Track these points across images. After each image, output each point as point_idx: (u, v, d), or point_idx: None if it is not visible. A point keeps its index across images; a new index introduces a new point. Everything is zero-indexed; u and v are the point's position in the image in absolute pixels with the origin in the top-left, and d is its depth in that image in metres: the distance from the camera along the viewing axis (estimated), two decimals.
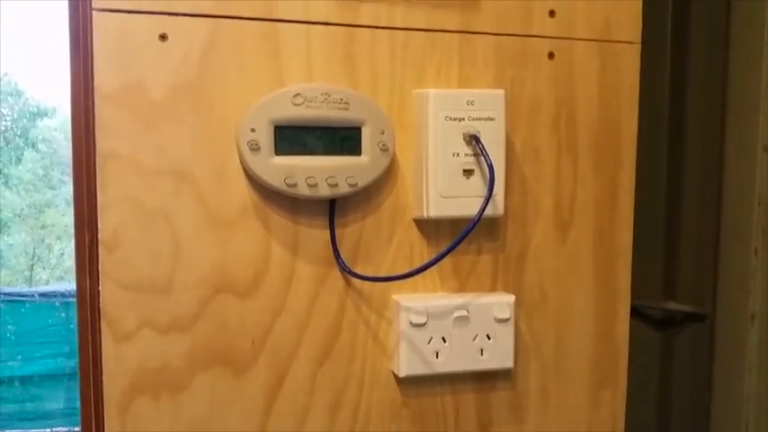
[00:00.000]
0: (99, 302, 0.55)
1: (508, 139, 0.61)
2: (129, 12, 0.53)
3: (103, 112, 0.53)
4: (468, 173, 0.58)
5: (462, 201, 0.58)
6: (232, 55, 0.55)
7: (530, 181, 0.63)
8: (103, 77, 0.53)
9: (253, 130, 0.55)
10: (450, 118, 0.57)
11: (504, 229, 0.63)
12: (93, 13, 0.53)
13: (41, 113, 5.65)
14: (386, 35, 0.58)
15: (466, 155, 0.58)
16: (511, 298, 0.61)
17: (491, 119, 0.58)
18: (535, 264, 0.64)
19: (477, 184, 0.58)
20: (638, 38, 0.65)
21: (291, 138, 0.55)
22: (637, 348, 0.68)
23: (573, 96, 0.63)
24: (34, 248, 5.59)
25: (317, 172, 0.56)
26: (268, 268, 0.57)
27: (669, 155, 0.78)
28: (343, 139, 0.57)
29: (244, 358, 0.57)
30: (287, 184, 0.55)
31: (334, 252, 0.58)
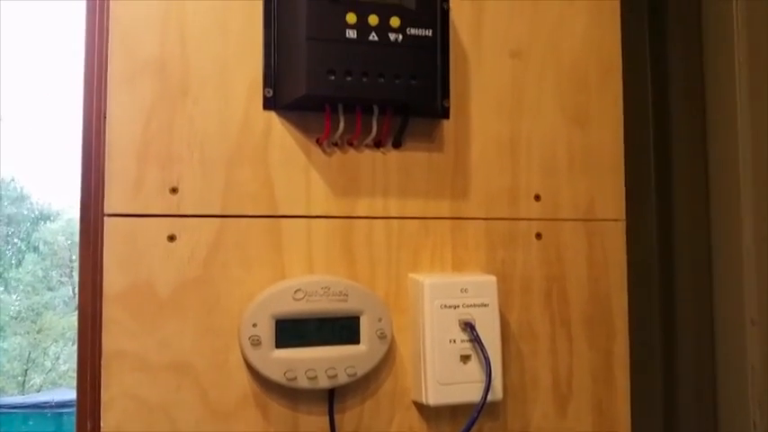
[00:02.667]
0: None
1: (503, 318, 0.62)
2: (140, 216, 0.56)
3: (110, 313, 0.55)
4: (465, 358, 0.59)
5: (461, 387, 0.59)
6: (237, 251, 0.58)
7: (527, 357, 0.64)
8: (112, 279, 0.56)
9: (254, 326, 0.56)
10: (446, 306, 0.59)
11: (504, 408, 0.63)
12: (105, 218, 0.56)
13: (45, 217, 5.73)
14: (382, 224, 0.61)
15: (462, 341, 0.59)
16: None
17: (485, 305, 0.60)
18: None
19: (474, 369, 0.59)
20: (623, 215, 0.68)
21: (291, 330, 0.57)
22: None
23: (562, 274, 0.65)
24: (29, 353, 5.49)
25: (316, 364, 0.57)
26: None
27: (662, 330, 0.80)
28: (342, 328, 0.58)
29: None
30: (287, 378, 0.56)
31: None
